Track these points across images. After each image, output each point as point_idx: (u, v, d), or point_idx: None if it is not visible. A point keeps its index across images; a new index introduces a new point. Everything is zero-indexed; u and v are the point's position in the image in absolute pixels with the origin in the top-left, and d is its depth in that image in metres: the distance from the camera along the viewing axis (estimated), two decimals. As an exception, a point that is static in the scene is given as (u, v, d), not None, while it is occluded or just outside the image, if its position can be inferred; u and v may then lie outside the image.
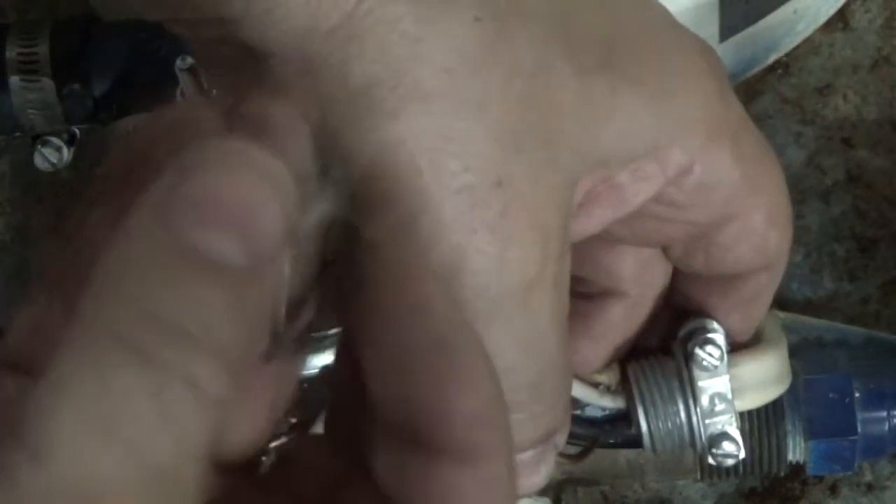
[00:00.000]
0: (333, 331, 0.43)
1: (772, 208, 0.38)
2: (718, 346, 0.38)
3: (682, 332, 0.39)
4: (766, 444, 0.55)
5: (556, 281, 0.33)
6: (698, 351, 0.38)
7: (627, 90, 0.34)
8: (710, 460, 0.39)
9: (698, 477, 0.57)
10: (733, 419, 0.38)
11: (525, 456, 0.35)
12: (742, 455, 0.39)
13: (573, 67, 0.33)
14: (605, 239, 0.38)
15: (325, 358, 0.43)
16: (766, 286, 0.39)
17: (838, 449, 0.55)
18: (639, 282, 0.39)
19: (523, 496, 0.37)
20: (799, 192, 0.69)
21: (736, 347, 0.39)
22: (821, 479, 0.63)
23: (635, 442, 0.40)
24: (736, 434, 0.39)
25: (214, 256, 0.21)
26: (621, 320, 0.40)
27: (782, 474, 0.58)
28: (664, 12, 0.37)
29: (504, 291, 0.32)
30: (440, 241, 0.31)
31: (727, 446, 0.39)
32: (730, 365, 0.38)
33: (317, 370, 0.43)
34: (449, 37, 0.31)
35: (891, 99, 0.70)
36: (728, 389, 0.38)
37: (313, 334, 0.43)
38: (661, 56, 0.35)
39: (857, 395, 0.55)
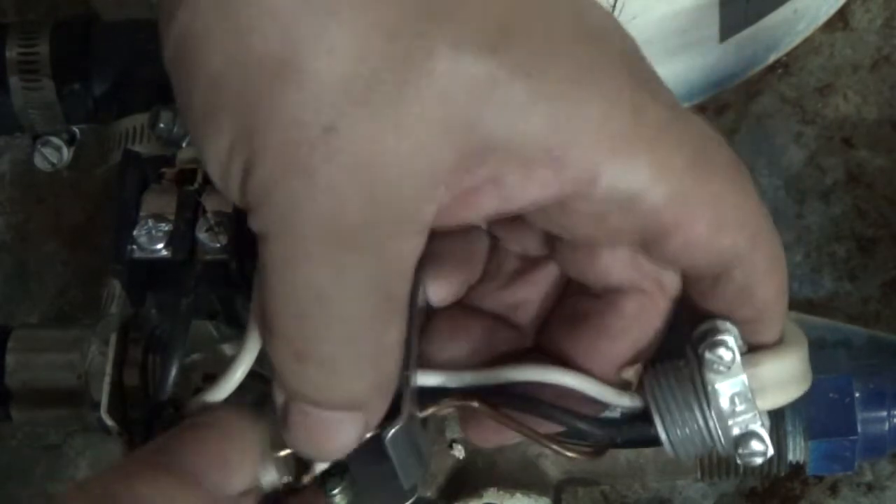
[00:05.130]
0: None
1: (718, 215, 0.35)
2: (729, 348, 0.37)
3: (694, 335, 0.38)
4: (766, 444, 0.55)
5: (386, 254, 0.33)
6: (708, 355, 0.37)
7: (510, 80, 0.32)
8: (739, 461, 0.39)
9: (698, 477, 0.57)
10: (757, 417, 0.38)
11: (326, 414, 0.35)
12: (770, 453, 0.38)
13: (449, 41, 0.31)
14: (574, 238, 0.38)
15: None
16: (747, 282, 0.37)
17: (838, 449, 0.55)
18: (643, 276, 0.39)
19: (322, 459, 0.37)
20: (799, 192, 0.69)
21: (756, 347, 0.39)
22: (821, 479, 0.63)
23: (647, 441, 0.40)
24: (762, 432, 0.38)
25: None
26: (636, 315, 0.39)
27: (782, 474, 0.59)
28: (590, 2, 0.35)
29: (312, 238, 0.32)
30: (259, 164, 0.32)
31: (755, 445, 0.38)
32: (750, 364, 0.38)
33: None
34: None
35: (891, 99, 0.70)
36: (747, 389, 0.38)
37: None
38: (565, 54, 0.33)
39: (857, 395, 0.55)
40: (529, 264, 0.40)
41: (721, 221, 0.35)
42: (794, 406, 0.55)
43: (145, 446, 0.36)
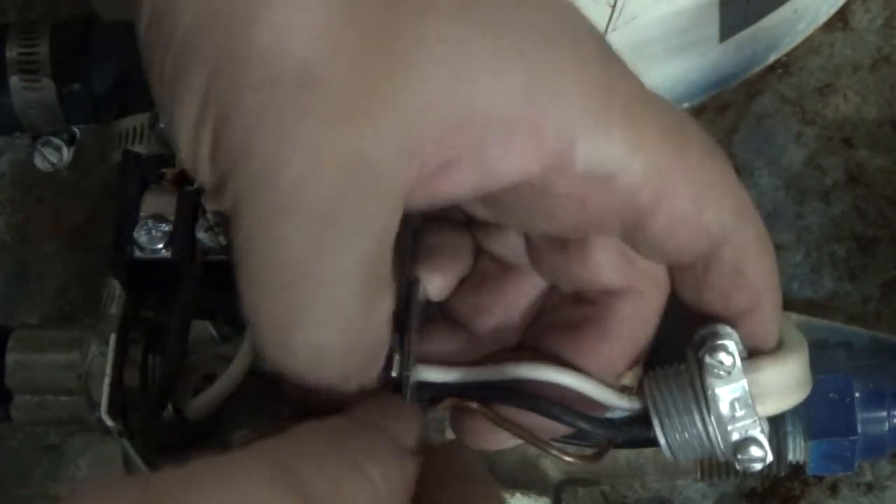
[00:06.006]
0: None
1: (698, 188, 0.35)
2: (730, 353, 0.37)
3: (695, 339, 0.38)
4: (766, 444, 0.55)
5: (367, 223, 0.32)
6: (709, 359, 0.37)
7: (481, 40, 0.31)
8: (738, 466, 0.38)
9: (698, 477, 0.57)
10: (757, 423, 0.38)
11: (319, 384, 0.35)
12: (769, 459, 0.38)
13: (416, 5, 0.31)
14: (555, 234, 0.37)
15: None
16: (738, 261, 0.37)
17: (838, 449, 0.55)
18: (633, 274, 0.39)
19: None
20: (799, 192, 0.69)
21: (758, 351, 0.39)
22: (821, 479, 0.63)
23: (647, 441, 0.40)
24: (762, 438, 0.38)
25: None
26: (633, 315, 0.39)
27: (782, 474, 0.59)
28: None
29: (290, 203, 0.31)
30: (231, 122, 0.31)
31: (754, 451, 0.38)
32: (751, 370, 0.38)
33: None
34: None
35: (891, 99, 0.70)
36: (747, 394, 0.38)
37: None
38: (534, 21, 0.33)
39: (857, 395, 0.55)
40: (512, 271, 0.40)
41: (702, 194, 0.35)
42: (794, 406, 0.55)
43: (346, 413, 0.35)
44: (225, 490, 0.29)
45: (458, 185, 0.33)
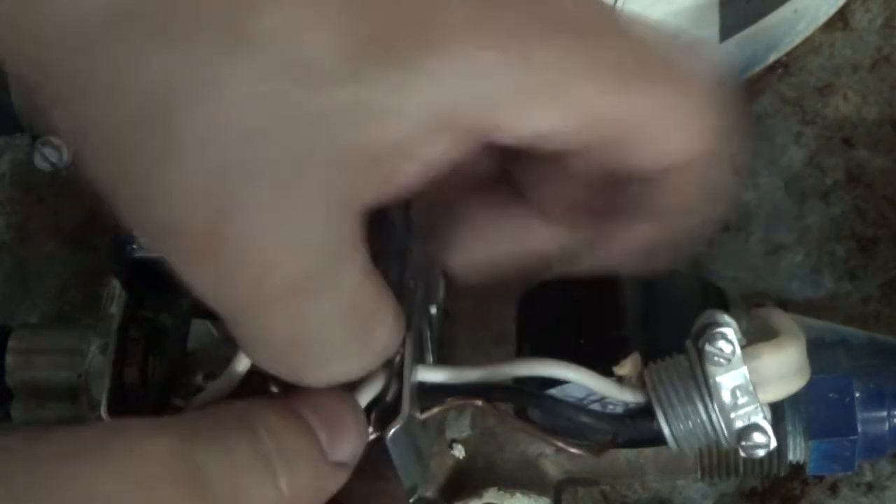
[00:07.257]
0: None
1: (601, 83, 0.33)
2: (729, 341, 0.38)
3: (693, 329, 0.39)
4: (766, 444, 0.55)
5: (333, 287, 0.32)
6: (709, 347, 0.38)
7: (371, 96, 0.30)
8: (742, 453, 0.39)
9: (698, 477, 0.57)
10: (759, 410, 0.38)
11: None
12: (773, 445, 0.39)
13: (314, 81, 0.30)
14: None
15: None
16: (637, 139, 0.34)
17: (838, 449, 0.55)
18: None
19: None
20: (799, 192, 0.69)
21: (755, 341, 0.39)
22: (821, 479, 0.63)
23: (647, 441, 0.40)
24: (765, 424, 0.38)
25: None
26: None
27: (782, 474, 0.58)
28: None
29: (248, 305, 0.32)
30: (170, 258, 0.32)
31: (757, 437, 0.38)
32: (750, 357, 0.38)
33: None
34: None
35: (891, 99, 0.70)
36: (748, 381, 0.38)
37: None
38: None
39: (857, 395, 0.55)
40: None
41: (610, 84, 0.33)
42: (794, 406, 0.55)
43: (281, 404, 0.35)
44: (125, 472, 0.30)
45: (402, 185, 0.33)
